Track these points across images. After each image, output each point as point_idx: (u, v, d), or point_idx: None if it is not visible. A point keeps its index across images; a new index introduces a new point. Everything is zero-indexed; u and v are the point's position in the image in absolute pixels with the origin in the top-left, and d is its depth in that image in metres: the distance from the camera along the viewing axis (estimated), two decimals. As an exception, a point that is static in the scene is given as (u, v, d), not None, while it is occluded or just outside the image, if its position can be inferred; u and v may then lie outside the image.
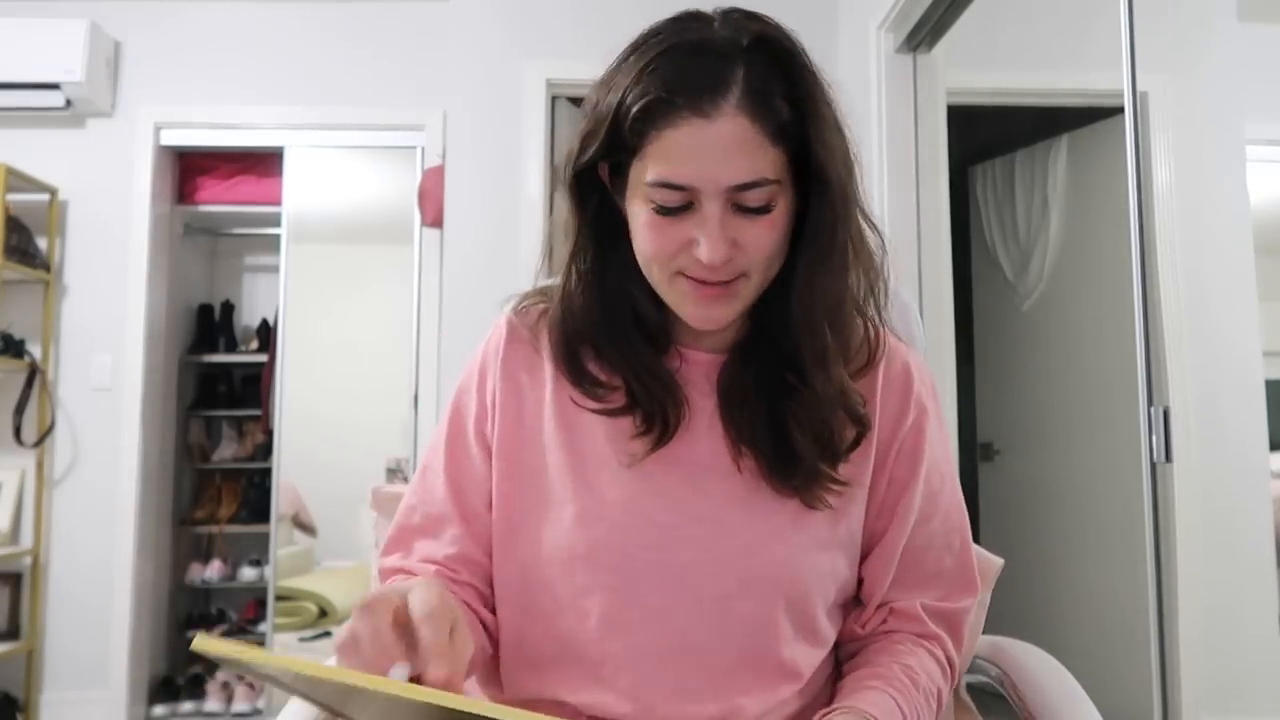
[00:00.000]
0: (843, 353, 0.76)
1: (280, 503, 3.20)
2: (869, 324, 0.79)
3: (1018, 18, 2.70)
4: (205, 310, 3.55)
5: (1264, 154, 2.34)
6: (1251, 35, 2.34)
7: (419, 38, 3.06)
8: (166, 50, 3.06)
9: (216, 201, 3.33)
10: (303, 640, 3.16)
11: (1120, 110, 1.72)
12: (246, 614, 3.45)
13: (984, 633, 1.01)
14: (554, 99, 3.03)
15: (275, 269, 3.24)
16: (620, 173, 0.73)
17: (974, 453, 3.29)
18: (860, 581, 0.82)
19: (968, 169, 3.41)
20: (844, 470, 0.77)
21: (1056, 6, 2.72)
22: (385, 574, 0.82)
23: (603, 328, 0.78)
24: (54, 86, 2.88)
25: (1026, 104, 2.87)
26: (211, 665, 3.16)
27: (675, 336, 0.81)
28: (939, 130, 2.50)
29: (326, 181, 3.29)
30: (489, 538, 0.81)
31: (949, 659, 0.81)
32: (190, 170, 3.31)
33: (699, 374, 0.80)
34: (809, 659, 0.78)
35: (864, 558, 0.81)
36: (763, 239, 0.70)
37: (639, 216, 0.72)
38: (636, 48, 0.71)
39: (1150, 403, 1.61)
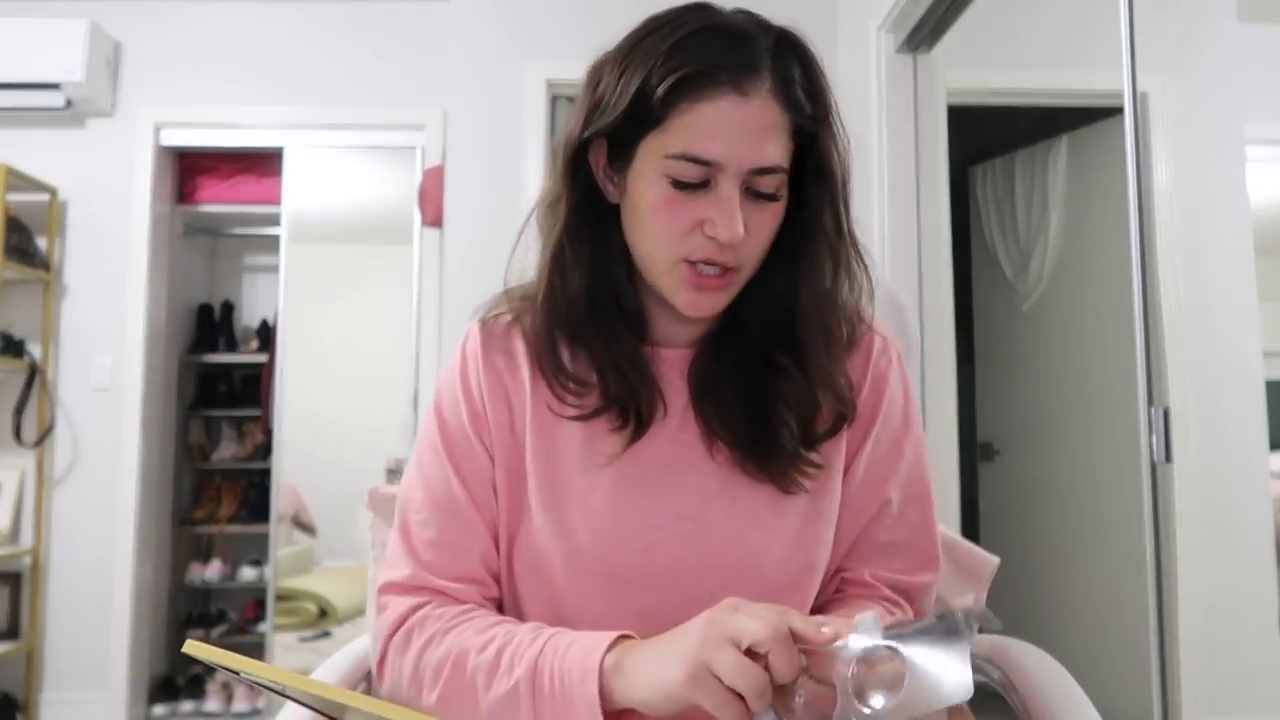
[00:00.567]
0: (836, 336, 0.78)
1: (280, 503, 3.20)
2: (855, 314, 0.81)
3: (1018, 18, 2.70)
4: (205, 310, 3.55)
5: (1264, 154, 2.33)
6: (1251, 35, 2.34)
7: (419, 38, 3.06)
8: (166, 50, 3.06)
9: (216, 201, 3.33)
10: (303, 640, 3.16)
11: (1120, 110, 1.71)
12: (246, 614, 3.45)
13: (983, 632, 1.01)
14: (554, 99, 3.02)
15: (275, 269, 3.24)
16: (621, 153, 0.73)
17: (974, 453, 3.29)
18: None
19: (968, 169, 3.41)
20: (819, 453, 0.77)
21: (1056, 6, 2.72)
22: (420, 590, 0.78)
23: (586, 311, 0.78)
24: (54, 86, 2.88)
25: (1026, 104, 2.87)
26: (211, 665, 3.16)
27: (649, 334, 0.81)
28: (939, 130, 2.50)
29: (326, 181, 3.29)
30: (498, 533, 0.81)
31: None
32: (190, 170, 3.31)
33: (672, 370, 0.80)
34: None
35: None
36: (766, 228, 0.73)
37: (648, 194, 0.72)
38: (653, 30, 0.72)
39: (1150, 403, 1.61)
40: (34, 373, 2.93)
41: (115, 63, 3.04)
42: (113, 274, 3.00)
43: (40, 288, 2.97)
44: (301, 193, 3.21)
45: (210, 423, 3.60)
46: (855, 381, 0.80)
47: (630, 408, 0.77)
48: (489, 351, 0.82)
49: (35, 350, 2.95)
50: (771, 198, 0.72)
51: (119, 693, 2.88)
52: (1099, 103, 2.71)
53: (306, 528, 3.38)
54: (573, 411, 0.78)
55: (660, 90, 0.68)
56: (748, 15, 0.73)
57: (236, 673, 0.55)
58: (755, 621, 0.57)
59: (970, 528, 3.07)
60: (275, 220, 3.23)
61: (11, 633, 2.88)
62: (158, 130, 3.06)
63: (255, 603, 3.42)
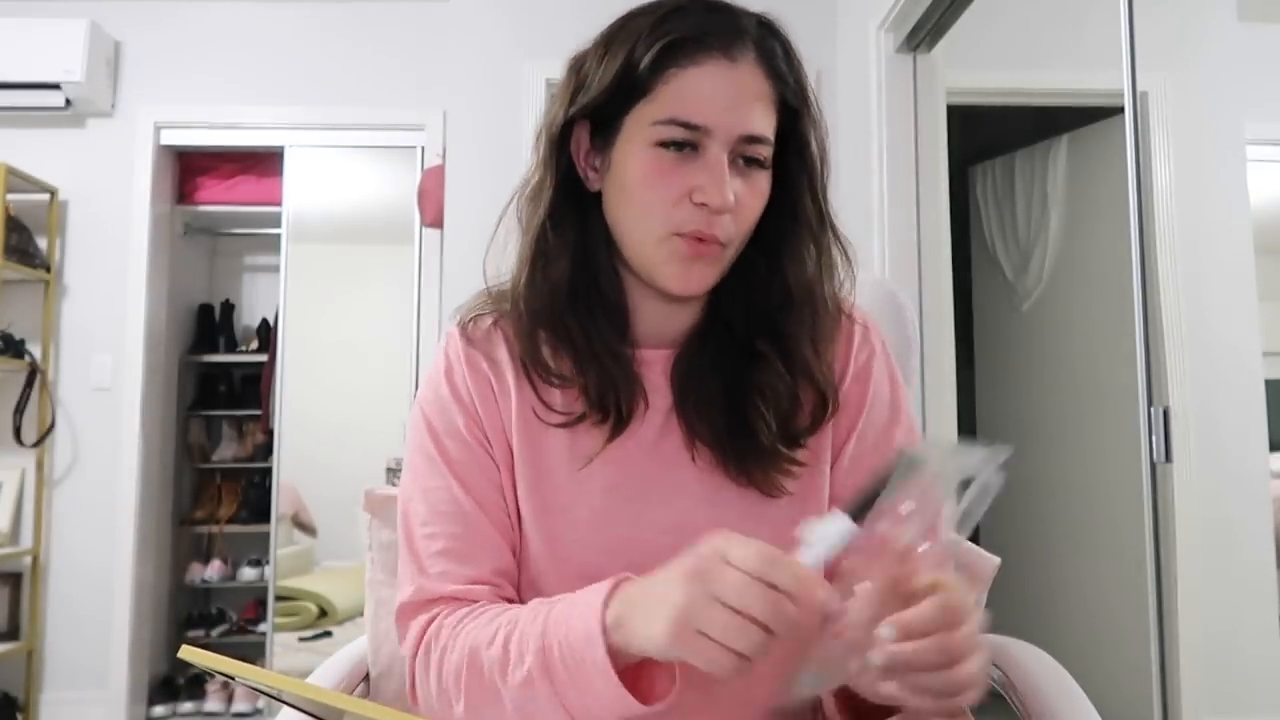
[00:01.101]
0: (820, 321, 0.78)
1: (280, 503, 3.20)
2: (836, 299, 0.81)
3: (1018, 18, 2.70)
4: (205, 310, 3.55)
5: (1264, 154, 2.33)
6: (1251, 34, 2.34)
7: (419, 37, 3.06)
8: (166, 50, 3.06)
9: (216, 201, 3.33)
10: (303, 640, 3.16)
11: (1120, 110, 1.72)
12: (246, 614, 3.45)
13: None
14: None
15: (275, 269, 3.24)
16: (606, 131, 0.73)
17: (974, 453, 3.28)
18: None
19: (968, 169, 3.41)
20: (801, 451, 0.77)
21: (1056, 6, 2.72)
22: (432, 604, 0.75)
23: (568, 303, 0.77)
24: (54, 86, 2.88)
25: (1026, 104, 2.87)
26: (211, 665, 3.16)
27: (632, 334, 0.80)
28: (939, 130, 2.49)
29: (326, 181, 3.29)
30: (514, 535, 0.80)
31: None
32: (190, 170, 3.31)
33: (654, 372, 0.80)
34: None
35: None
36: (754, 203, 0.73)
37: (636, 166, 0.72)
38: (636, 15, 0.73)
39: (1150, 403, 1.61)
40: (34, 373, 2.93)
41: (115, 63, 3.04)
42: (113, 274, 3.00)
43: (40, 288, 2.97)
44: (302, 193, 3.21)
45: (210, 423, 3.60)
46: (837, 371, 0.80)
47: (610, 402, 0.76)
48: (472, 355, 0.81)
49: (35, 350, 2.95)
50: (759, 165, 0.72)
51: (119, 693, 2.88)
52: (1099, 102, 2.70)
53: (306, 528, 3.38)
54: (558, 419, 0.77)
55: (647, 59, 0.69)
56: (729, 3, 0.75)
57: (232, 677, 0.55)
58: (743, 582, 0.56)
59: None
60: (275, 220, 3.23)
61: (11, 633, 2.88)
62: (158, 130, 3.06)
63: (255, 603, 3.42)
